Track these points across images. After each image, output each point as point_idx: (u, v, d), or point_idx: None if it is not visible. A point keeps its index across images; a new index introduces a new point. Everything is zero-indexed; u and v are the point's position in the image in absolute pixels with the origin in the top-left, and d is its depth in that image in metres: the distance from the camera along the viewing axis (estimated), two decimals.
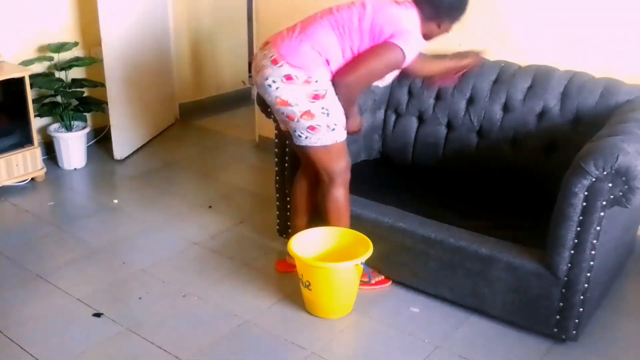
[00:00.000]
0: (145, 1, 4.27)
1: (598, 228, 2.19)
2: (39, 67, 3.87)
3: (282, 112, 2.47)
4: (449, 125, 3.00)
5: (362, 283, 2.65)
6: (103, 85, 3.96)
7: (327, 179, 2.57)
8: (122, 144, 4.13)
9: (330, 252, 2.64)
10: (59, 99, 3.90)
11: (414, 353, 2.38)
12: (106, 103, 3.99)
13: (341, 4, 2.53)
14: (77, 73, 4.06)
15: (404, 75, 2.81)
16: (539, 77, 2.80)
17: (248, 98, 5.30)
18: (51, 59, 3.86)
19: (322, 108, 2.43)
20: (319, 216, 2.69)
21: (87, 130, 4.05)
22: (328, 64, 2.44)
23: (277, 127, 2.90)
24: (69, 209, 3.61)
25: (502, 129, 2.86)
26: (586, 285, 2.27)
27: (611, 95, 2.64)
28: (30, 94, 3.59)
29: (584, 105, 2.68)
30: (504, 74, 2.88)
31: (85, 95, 4.06)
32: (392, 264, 2.70)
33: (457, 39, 2.79)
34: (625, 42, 2.83)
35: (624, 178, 2.10)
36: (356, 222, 2.66)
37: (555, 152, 2.74)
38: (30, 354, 2.34)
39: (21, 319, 2.55)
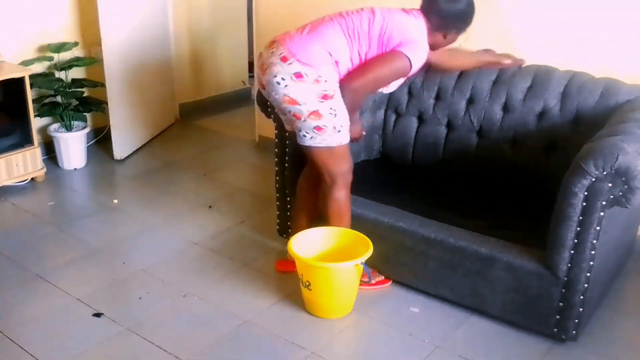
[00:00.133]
0: (145, 1, 4.27)
1: (598, 228, 2.19)
2: (39, 67, 3.87)
3: (289, 111, 2.47)
4: (449, 125, 3.00)
5: (362, 283, 2.65)
6: (103, 85, 3.96)
7: (329, 180, 2.57)
8: (122, 144, 4.13)
9: (330, 252, 2.64)
10: (59, 99, 3.90)
11: (414, 353, 2.38)
12: (106, 103, 4.00)
13: (349, 8, 2.53)
14: (77, 73, 4.06)
15: (433, 70, 2.83)
16: (539, 77, 2.80)
17: (248, 98, 5.30)
18: (51, 59, 3.86)
19: (330, 109, 2.43)
20: (321, 216, 2.69)
21: (87, 130, 4.05)
22: (337, 65, 2.45)
23: (278, 127, 2.91)
24: (69, 209, 3.61)
25: (502, 129, 2.86)
26: (586, 285, 2.27)
27: (611, 95, 2.64)
28: (30, 94, 3.59)
29: (584, 105, 2.68)
30: (504, 74, 2.88)
31: (85, 95, 4.06)
32: (392, 264, 2.70)
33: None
34: (625, 42, 2.83)
35: (623, 178, 2.10)
36: (356, 222, 2.66)
37: (555, 152, 2.74)
38: (30, 354, 2.34)
39: (21, 319, 2.55)
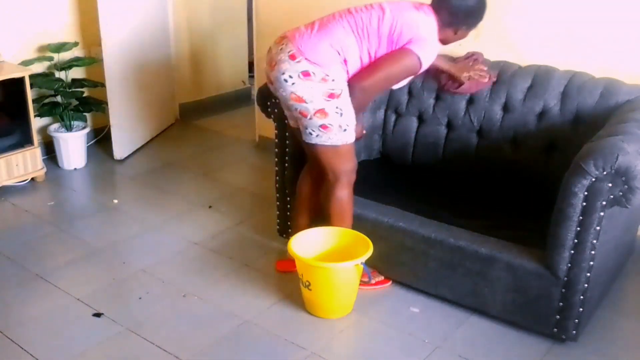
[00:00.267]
0: (146, 1, 4.27)
1: (598, 228, 2.19)
2: (39, 67, 3.87)
3: (295, 108, 2.47)
4: (449, 125, 3.00)
5: (362, 283, 2.65)
6: (103, 85, 3.96)
7: (333, 179, 2.57)
8: (122, 144, 4.13)
9: (330, 252, 2.64)
10: (59, 99, 3.90)
11: (414, 353, 2.38)
12: (106, 103, 3.99)
13: (358, 4, 2.53)
14: (77, 73, 4.06)
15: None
16: (539, 77, 2.80)
17: (248, 98, 5.30)
18: (51, 59, 3.86)
19: (337, 107, 2.43)
20: (321, 216, 2.69)
21: (87, 130, 4.05)
22: (345, 64, 2.45)
23: (278, 127, 2.91)
24: (69, 209, 3.61)
25: (502, 129, 2.85)
26: (586, 285, 2.27)
27: (611, 95, 2.64)
28: (30, 94, 3.59)
29: (584, 105, 2.68)
30: (504, 74, 2.88)
31: (85, 95, 4.06)
32: (392, 264, 2.70)
33: None
34: (625, 42, 2.83)
35: (623, 178, 2.10)
36: (356, 222, 2.66)
37: (555, 152, 2.74)
38: (30, 354, 2.34)
39: (21, 319, 2.55)
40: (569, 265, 2.26)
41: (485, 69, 2.85)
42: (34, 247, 3.09)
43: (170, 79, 4.74)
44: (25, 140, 3.66)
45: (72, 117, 3.96)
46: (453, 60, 2.93)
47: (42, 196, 3.66)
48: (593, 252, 2.22)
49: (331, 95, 2.41)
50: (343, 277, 2.52)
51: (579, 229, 2.21)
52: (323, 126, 2.44)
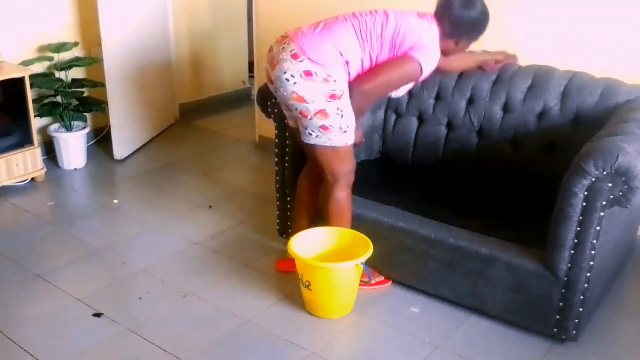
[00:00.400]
0: (146, 1, 4.27)
1: (598, 228, 2.19)
2: (39, 67, 3.87)
3: (295, 108, 2.46)
4: (449, 125, 3.00)
5: (362, 283, 2.65)
6: (103, 85, 3.96)
7: (332, 180, 2.57)
8: (122, 144, 4.13)
9: (330, 252, 2.64)
10: (59, 99, 3.90)
11: (414, 353, 2.38)
12: (106, 103, 4.00)
13: (351, 8, 2.53)
14: (77, 73, 4.06)
15: (434, 73, 2.82)
16: (539, 77, 2.80)
17: (248, 98, 5.30)
18: (51, 59, 3.86)
19: (337, 109, 2.43)
20: (320, 216, 2.69)
21: (87, 130, 4.05)
22: (347, 65, 2.44)
23: (278, 127, 2.91)
24: (69, 209, 3.61)
25: (502, 129, 2.86)
26: (586, 285, 2.27)
27: (611, 95, 2.64)
28: (30, 94, 3.59)
29: (584, 105, 2.68)
30: (504, 74, 2.88)
31: (85, 95, 4.06)
32: (392, 264, 2.70)
33: None
34: (625, 42, 2.83)
35: (623, 178, 2.10)
36: (356, 222, 2.66)
37: (555, 152, 2.74)
38: (30, 354, 2.34)
39: (21, 319, 2.55)
40: (569, 265, 2.26)
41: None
42: (34, 247, 3.09)
43: (170, 79, 4.74)
44: (25, 140, 3.66)
45: (72, 117, 3.96)
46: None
47: (42, 196, 3.66)
48: (593, 252, 2.22)
49: (332, 96, 2.41)
50: (343, 277, 2.52)
51: (579, 229, 2.21)
52: (323, 127, 2.44)
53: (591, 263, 2.24)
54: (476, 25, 2.51)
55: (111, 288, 2.79)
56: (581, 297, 2.28)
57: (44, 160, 3.88)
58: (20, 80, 3.52)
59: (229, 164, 4.19)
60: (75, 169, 4.00)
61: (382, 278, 2.76)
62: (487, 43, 2.95)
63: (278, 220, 3.09)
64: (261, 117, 3.62)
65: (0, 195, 3.60)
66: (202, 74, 5.08)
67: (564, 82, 2.75)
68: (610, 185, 2.13)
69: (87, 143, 4.13)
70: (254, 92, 4.29)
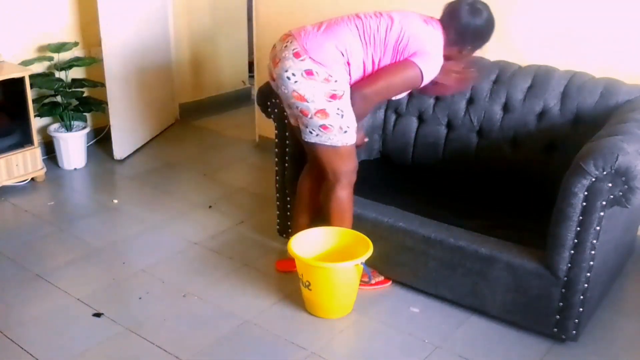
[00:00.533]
0: (145, 1, 4.27)
1: (598, 228, 2.19)
2: (39, 67, 3.87)
3: (296, 107, 2.46)
4: (449, 125, 3.00)
5: (362, 283, 2.65)
6: (103, 85, 3.96)
7: (333, 179, 2.57)
8: (122, 144, 4.13)
9: (330, 252, 2.64)
10: (59, 99, 3.90)
11: (414, 353, 2.38)
12: (106, 103, 4.00)
13: (351, 8, 2.52)
14: (77, 73, 4.06)
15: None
16: (539, 77, 2.80)
17: (248, 98, 5.30)
18: (51, 59, 3.86)
19: (338, 109, 2.43)
20: (321, 216, 2.69)
21: (87, 130, 4.05)
22: (349, 65, 2.44)
23: (278, 127, 2.91)
24: (69, 209, 3.61)
25: (502, 129, 2.86)
26: (586, 285, 2.27)
27: (611, 95, 2.64)
28: (30, 94, 3.59)
29: (584, 105, 2.68)
30: (504, 74, 2.88)
31: (85, 95, 4.06)
32: (392, 264, 2.70)
33: None
34: (625, 42, 2.83)
35: (623, 178, 2.10)
36: (356, 222, 2.66)
37: (555, 152, 2.74)
38: (30, 354, 2.34)
39: (21, 319, 2.55)
40: (569, 265, 2.26)
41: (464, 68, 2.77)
42: (34, 247, 3.09)
43: (170, 79, 4.74)
44: (25, 140, 3.66)
45: (72, 117, 3.96)
46: None
47: (42, 196, 3.66)
48: (593, 252, 2.22)
49: (333, 96, 2.41)
50: (343, 277, 2.52)
51: (579, 229, 2.21)
52: (323, 126, 2.44)
53: (591, 263, 2.24)
54: (481, 34, 2.51)
55: (111, 288, 2.79)
56: (581, 297, 2.28)
57: (44, 160, 3.88)
58: (20, 80, 3.52)
59: (229, 164, 4.19)
60: (75, 169, 4.00)
61: (382, 278, 2.76)
62: (488, 43, 2.96)
63: (278, 220, 3.09)
64: (261, 117, 3.61)
65: (0, 195, 3.60)
66: (202, 74, 5.08)
67: (564, 82, 2.75)
68: (610, 185, 2.13)
69: (87, 143, 4.13)
70: (254, 92, 4.29)
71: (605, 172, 2.12)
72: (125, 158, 4.16)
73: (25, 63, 3.74)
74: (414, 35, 2.44)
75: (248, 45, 5.31)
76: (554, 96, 2.75)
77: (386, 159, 3.19)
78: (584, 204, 2.18)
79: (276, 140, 2.95)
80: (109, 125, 4.08)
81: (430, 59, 2.46)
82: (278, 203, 3.05)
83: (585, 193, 2.17)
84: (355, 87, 2.47)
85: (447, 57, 2.55)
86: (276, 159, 2.98)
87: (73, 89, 3.91)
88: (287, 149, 2.91)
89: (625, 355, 2.43)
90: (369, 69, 2.48)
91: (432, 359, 2.35)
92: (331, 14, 2.58)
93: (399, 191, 2.87)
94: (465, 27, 2.47)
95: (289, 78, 2.41)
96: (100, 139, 4.31)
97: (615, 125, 2.35)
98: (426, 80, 2.48)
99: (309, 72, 2.39)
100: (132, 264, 2.95)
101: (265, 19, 4.08)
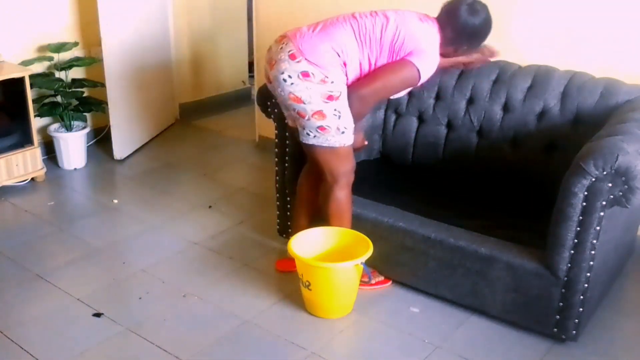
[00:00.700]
0: (145, 1, 4.27)
1: (598, 228, 2.19)
2: (39, 67, 3.87)
3: (293, 109, 2.46)
4: (449, 125, 3.00)
5: (362, 283, 2.65)
6: (103, 85, 3.96)
7: (331, 180, 2.57)
8: (122, 144, 4.13)
9: (330, 252, 2.64)
10: (59, 99, 3.90)
11: (414, 353, 2.38)
12: (106, 103, 4.00)
13: (351, 8, 2.52)
14: (77, 73, 4.06)
15: None
16: (539, 77, 2.80)
17: (248, 98, 5.30)
18: (51, 59, 3.86)
19: (335, 110, 2.43)
20: (320, 216, 2.69)
21: (87, 130, 4.05)
22: (345, 66, 2.44)
23: (278, 127, 2.91)
24: (69, 209, 3.61)
25: (502, 129, 2.85)
26: (586, 285, 2.27)
27: (611, 95, 2.64)
28: (30, 94, 3.59)
29: (584, 105, 2.68)
30: (504, 74, 2.88)
31: (85, 95, 4.06)
32: (392, 264, 2.70)
33: None
34: (625, 42, 2.83)
35: (623, 178, 2.10)
36: (356, 222, 2.66)
37: (555, 152, 2.74)
38: (30, 354, 2.34)
39: (21, 319, 2.55)
40: (569, 265, 2.26)
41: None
42: (34, 247, 3.09)
43: (170, 79, 4.74)
44: (25, 140, 3.66)
45: (72, 117, 3.96)
46: None
47: (42, 196, 3.66)
48: (593, 252, 2.22)
49: (330, 97, 2.41)
50: (343, 277, 2.52)
51: (579, 229, 2.21)
52: (321, 128, 2.44)
53: (591, 263, 2.24)
54: (478, 33, 2.51)
55: (111, 288, 2.79)
56: (581, 297, 2.28)
57: (44, 160, 3.88)
58: (20, 80, 3.52)
59: (229, 164, 4.19)
60: (75, 169, 4.00)
61: (382, 278, 2.76)
62: (488, 43, 2.96)
63: (278, 220, 3.09)
64: (261, 117, 3.62)
65: (0, 195, 3.60)
66: (202, 74, 5.08)
67: (564, 82, 2.75)
68: (610, 185, 2.13)
69: (87, 143, 4.13)
70: (254, 92, 4.29)
71: (605, 172, 2.12)
72: (125, 158, 4.16)
73: (25, 63, 3.74)
74: (409, 34, 2.44)
75: (248, 45, 5.31)
76: (554, 96, 2.75)
77: (386, 159, 3.19)
78: (584, 204, 2.18)
79: (276, 140, 2.95)
80: (109, 125, 4.08)
81: (426, 58, 2.46)
82: (278, 203, 3.05)
83: (585, 193, 2.17)
84: (352, 88, 2.47)
85: (442, 56, 2.55)
86: (276, 159, 2.98)
87: (73, 89, 3.91)
88: (287, 149, 2.91)
89: (625, 355, 2.43)
90: (366, 69, 2.48)
91: (432, 359, 2.35)
92: (331, 13, 2.58)
93: (399, 191, 2.87)
94: (463, 26, 2.47)
95: (285, 80, 2.41)
96: (100, 139, 4.30)
97: (615, 125, 2.35)
98: (423, 79, 2.48)
99: (305, 74, 2.39)
100: (132, 264, 2.95)
101: (265, 19, 4.08)
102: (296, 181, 2.83)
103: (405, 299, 2.68)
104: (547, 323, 2.37)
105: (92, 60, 4.00)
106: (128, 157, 4.19)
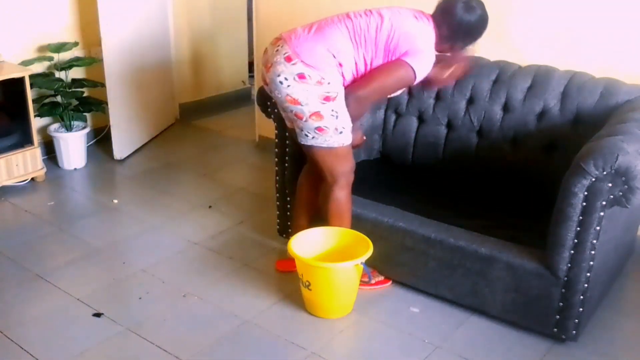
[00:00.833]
0: (146, 1, 4.27)
1: (598, 228, 2.19)
2: (39, 67, 3.87)
3: (291, 110, 2.47)
4: (449, 125, 3.00)
5: (362, 283, 2.65)
6: (103, 85, 3.96)
7: (331, 180, 2.57)
8: (122, 144, 4.13)
9: (330, 252, 2.64)
10: (59, 99, 3.90)
11: (414, 353, 2.38)
12: (106, 103, 4.00)
13: (355, 9, 2.51)
14: (77, 73, 4.06)
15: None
16: (539, 77, 2.80)
17: (248, 98, 5.31)
18: (51, 59, 3.86)
19: (332, 110, 2.43)
20: (321, 216, 2.69)
21: (87, 130, 4.05)
22: (341, 67, 2.44)
23: (278, 127, 2.91)
24: (69, 209, 3.61)
25: (502, 129, 2.86)
26: (586, 285, 2.27)
27: (611, 95, 2.64)
28: (30, 94, 3.59)
29: (584, 105, 2.68)
30: (504, 74, 2.88)
31: (85, 95, 4.06)
32: (392, 264, 2.70)
33: None
34: (625, 42, 2.83)
35: (623, 178, 2.10)
36: (356, 222, 2.66)
37: (555, 152, 2.74)
38: (30, 354, 2.34)
39: (21, 319, 2.55)
40: (569, 265, 2.26)
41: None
42: (34, 247, 3.09)
43: (170, 79, 4.74)
44: (25, 140, 3.66)
45: (72, 117, 3.96)
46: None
47: (42, 196, 3.66)
48: (593, 252, 2.22)
49: (327, 98, 2.41)
50: (343, 277, 2.52)
51: (579, 229, 2.21)
52: (319, 128, 2.44)
53: (591, 263, 2.24)
54: (474, 30, 2.50)
55: (111, 288, 2.79)
56: (581, 297, 2.28)
57: (44, 160, 3.88)
58: (20, 80, 3.52)
59: (229, 164, 4.19)
60: (75, 169, 4.00)
61: (382, 278, 2.76)
62: (487, 43, 2.96)
63: (278, 220, 3.09)
64: (261, 117, 3.62)
65: (0, 195, 3.60)
66: (202, 74, 5.08)
67: (564, 82, 2.75)
68: (610, 185, 2.13)
69: (87, 143, 4.13)
70: (254, 92, 4.29)
71: (605, 172, 2.12)
72: (125, 158, 4.16)
73: (25, 63, 3.74)
74: (404, 33, 2.43)
75: (248, 45, 5.31)
76: (554, 96, 2.75)
77: (386, 159, 3.19)
78: (584, 204, 2.18)
79: (276, 140, 2.95)
80: (109, 125, 4.08)
81: (422, 57, 2.45)
82: (278, 203, 3.05)
83: (585, 193, 2.17)
84: (348, 89, 2.47)
85: (438, 52, 2.54)
86: (276, 159, 2.98)
87: (73, 89, 3.91)
88: (287, 149, 2.91)
89: (625, 355, 2.43)
90: (362, 69, 2.48)
91: (432, 359, 2.35)
92: (332, 13, 2.57)
93: (399, 191, 2.87)
94: (459, 23, 2.46)
95: (281, 82, 2.41)
96: (100, 139, 4.31)
97: (615, 125, 2.35)
98: (419, 78, 2.48)
99: (301, 76, 2.39)
100: (132, 264, 2.95)
101: (265, 19, 4.08)
102: (296, 181, 2.83)
103: (405, 299, 2.68)
104: (547, 323, 2.37)
105: (92, 60, 4.00)
106: (128, 157, 4.19)
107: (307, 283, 2.52)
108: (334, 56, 2.42)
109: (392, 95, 2.72)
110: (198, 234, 3.21)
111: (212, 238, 3.18)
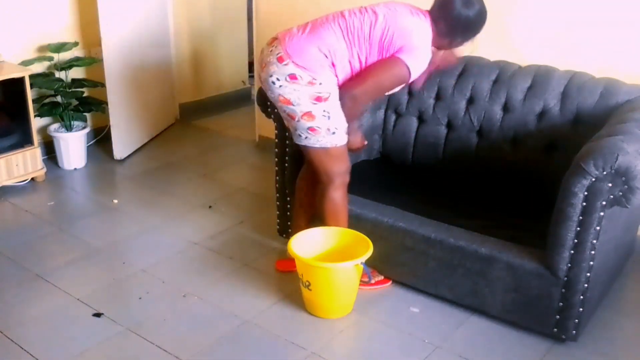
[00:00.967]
0: (146, 1, 4.27)
1: (598, 228, 2.19)
2: (39, 67, 3.87)
3: (283, 110, 2.48)
4: (449, 125, 3.00)
5: (362, 283, 2.65)
6: (103, 85, 3.96)
7: (326, 180, 2.57)
8: (122, 144, 4.13)
9: (330, 252, 2.64)
10: (59, 99, 3.90)
11: (414, 353, 2.38)
12: (106, 103, 4.00)
13: (351, 7, 2.50)
14: (77, 73, 4.06)
15: None
16: (539, 77, 2.80)
17: (248, 98, 5.31)
18: (51, 59, 3.86)
19: (324, 111, 2.43)
20: (318, 215, 2.69)
21: (87, 130, 4.05)
22: (334, 67, 2.43)
23: (278, 127, 2.91)
24: (69, 209, 3.61)
25: (502, 129, 2.86)
26: (586, 285, 2.27)
27: (611, 95, 2.64)
28: (30, 94, 3.59)
29: (584, 105, 2.68)
30: (504, 74, 2.88)
31: (85, 95, 4.06)
32: (392, 264, 2.70)
33: None
34: (625, 42, 2.83)
35: (623, 178, 2.10)
36: (356, 222, 2.66)
37: (555, 152, 2.74)
38: (30, 354, 2.34)
39: (21, 319, 2.55)
40: (569, 265, 2.26)
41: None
42: (34, 247, 3.09)
43: (170, 79, 4.74)
44: (25, 140, 3.66)
45: (72, 117, 3.96)
46: None
47: (42, 196, 3.66)
48: (593, 252, 2.22)
49: (318, 99, 2.41)
50: (343, 277, 2.52)
51: (579, 229, 2.21)
52: (311, 129, 2.45)
53: (591, 263, 2.24)
54: (473, 25, 2.47)
55: (111, 288, 2.79)
56: (581, 297, 2.28)
57: (44, 160, 3.88)
58: (20, 80, 3.52)
59: (229, 164, 4.19)
60: (75, 169, 4.00)
61: (382, 278, 2.76)
62: (487, 43, 2.96)
63: (278, 220, 3.09)
64: (261, 117, 3.61)
65: (0, 195, 3.60)
66: (202, 73, 5.08)
67: (564, 82, 2.75)
68: (610, 185, 2.13)
69: (87, 143, 4.13)
70: (254, 92, 4.29)
71: (605, 172, 2.12)
72: (125, 158, 4.16)
73: (25, 63, 3.74)
74: (398, 30, 2.41)
75: (248, 45, 5.31)
76: (554, 96, 2.75)
77: (386, 159, 3.19)
78: (584, 204, 2.18)
79: (276, 140, 2.95)
80: (109, 125, 4.08)
81: (417, 53, 2.43)
82: (278, 203, 3.05)
83: (585, 193, 2.17)
84: (343, 88, 2.46)
85: (437, 48, 2.53)
86: (276, 159, 2.98)
87: (73, 89, 3.91)
88: (287, 149, 2.91)
89: (625, 355, 2.43)
90: (356, 67, 2.47)
91: (432, 359, 2.35)
92: (325, 15, 2.57)
93: (399, 191, 2.87)
94: (457, 18, 2.43)
95: (273, 83, 2.42)
96: (100, 139, 4.31)
97: (615, 125, 2.35)
98: (414, 76, 2.46)
99: (292, 77, 2.39)
100: (132, 264, 2.95)
101: (265, 19, 4.08)
102: (296, 181, 2.83)
103: (405, 299, 2.68)
104: (547, 323, 2.37)
105: (92, 60, 4.00)
106: (128, 157, 4.19)
107: (307, 283, 2.52)
108: (326, 56, 2.42)
109: (390, 92, 2.71)
110: (198, 234, 3.21)
111: (212, 238, 3.18)
